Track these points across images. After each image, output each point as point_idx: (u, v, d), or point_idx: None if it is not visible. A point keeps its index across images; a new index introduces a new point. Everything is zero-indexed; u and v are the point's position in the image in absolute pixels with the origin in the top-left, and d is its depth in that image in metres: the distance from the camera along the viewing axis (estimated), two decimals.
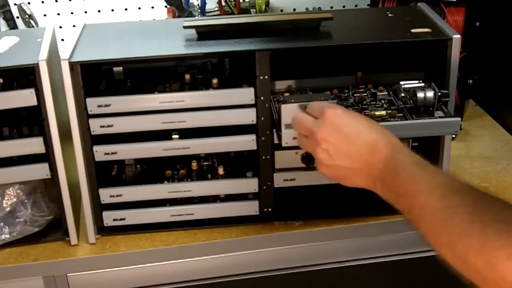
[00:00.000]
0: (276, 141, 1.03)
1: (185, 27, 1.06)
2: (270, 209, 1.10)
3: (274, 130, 1.02)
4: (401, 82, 1.08)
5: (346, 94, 1.10)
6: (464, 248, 0.60)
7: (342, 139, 0.78)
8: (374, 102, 1.08)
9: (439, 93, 1.00)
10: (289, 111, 0.94)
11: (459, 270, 0.62)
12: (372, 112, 1.04)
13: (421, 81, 1.07)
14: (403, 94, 1.06)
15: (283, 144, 0.96)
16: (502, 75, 1.40)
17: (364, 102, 1.08)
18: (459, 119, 1.01)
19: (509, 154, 1.30)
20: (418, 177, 0.70)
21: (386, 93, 1.09)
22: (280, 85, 1.09)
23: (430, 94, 1.01)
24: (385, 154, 0.75)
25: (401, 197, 0.71)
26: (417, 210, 0.67)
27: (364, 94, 1.09)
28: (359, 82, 1.12)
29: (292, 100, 0.95)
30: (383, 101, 1.08)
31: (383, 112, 1.04)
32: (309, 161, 1.08)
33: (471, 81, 1.38)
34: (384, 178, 0.74)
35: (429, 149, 1.10)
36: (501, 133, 1.37)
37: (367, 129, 0.78)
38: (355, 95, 1.10)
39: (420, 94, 1.01)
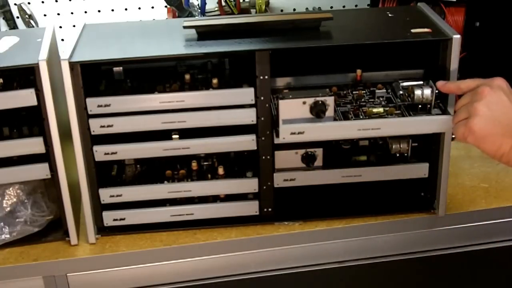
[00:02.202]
0: (276, 140, 1.03)
1: (185, 27, 1.06)
2: (270, 209, 1.10)
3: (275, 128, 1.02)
4: (400, 81, 1.08)
5: (345, 92, 1.10)
6: None
7: (506, 101, 0.85)
8: (372, 100, 1.08)
9: (437, 91, 1.01)
10: (286, 107, 0.94)
11: None
12: (370, 109, 1.05)
13: (420, 81, 1.07)
14: (401, 92, 1.07)
15: (281, 139, 0.97)
16: (502, 75, 1.40)
17: (363, 100, 1.08)
18: None
19: None
20: None
21: (385, 91, 1.10)
22: (280, 82, 1.09)
23: (427, 91, 1.01)
24: None
25: None
26: None
27: (362, 91, 1.10)
28: (358, 80, 1.12)
29: (290, 96, 0.96)
30: (381, 99, 1.08)
31: (381, 109, 1.04)
32: (309, 161, 1.08)
33: None
34: None
35: (429, 149, 1.10)
36: None
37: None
38: (353, 92, 1.10)
39: (418, 92, 1.01)
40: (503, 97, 0.86)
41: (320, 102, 0.97)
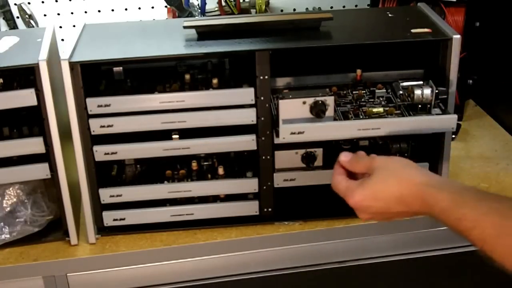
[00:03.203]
0: (276, 140, 1.03)
1: (185, 27, 1.06)
2: (270, 209, 1.10)
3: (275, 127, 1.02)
4: (400, 81, 1.08)
5: (344, 92, 1.10)
6: None
7: (380, 211, 0.83)
8: (372, 100, 1.09)
9: (437, 90, 1.01)
10: (286, 106, 0.94)
11: None
12: (370, 109, 1.05)
13: (420, 81, 1.07)
14: (401, 92, 1.07)
15: (281, 139, 0.97)
16: (502, 75, 1.40)
17: (362, 99, 1.09)
18: (455, 115, 1.01)
19: (509, 154, 1.30)
20: (462, 216, 0.72)
21: (385, 90, 1.10)
22: (280, 82, 1.10)
23: (427, 91, 1.01)
24: (419, 205, 0.78)
25: (460, 233, 0.74)
26: (478, 242, 0.71)
27: (362, 91, 1.10)
28: (358, 80, 1.13)
29: (290, 96, 0.96)
30: (381, 99, 1.09)
31: (381, 109, 1.05)
32: (309, 161, 1.08)
33: (471, 81, 1.38)
34: (437, 218, 0.77)
35: (429, 149, 1.10)
36: (501, 133, 1.38)
37: (388, 195, 0.82)
38: (353, 92, 1.10)
39: (418, 91, 1.01)
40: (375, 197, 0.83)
41: (320, 102, 0.97)
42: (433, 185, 0.78)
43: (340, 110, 1.04)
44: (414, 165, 0.84)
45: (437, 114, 1.02)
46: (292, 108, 0.97)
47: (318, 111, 0.97)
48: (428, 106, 1.02)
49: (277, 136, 0.98)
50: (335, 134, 1.01)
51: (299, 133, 0.97)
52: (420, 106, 1.02)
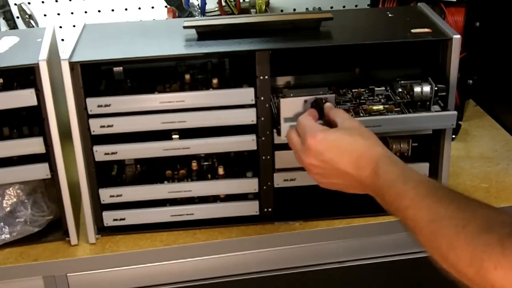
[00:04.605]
0: (276, 140, 1.03)
1: (185, 27, 1.06)
2: (270, 209, 1.10)
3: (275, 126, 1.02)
4: (398, 79, 1.09)
5: (344, 90, 1.10)
6: (455, 259, 0.63)
7: (328, 162, 0.82)
8: (371, 98, 1.09)
9: (436, 88, 1.01)
10: (288, 105, 0.94)
11: (455, 277, 0.65)
12: (370, 106, 1.05)
13: (419, 79, 1.07)
14: (400, 90, 1.07)
15: (282, 137, 0.97)
16: (502, 75, 1.40)
17: (362, 97, 1.09)
18: (455, 112, 1.01)
19: (509, 154, 1.30)
20: (402, 192, 0.72)
21: (384, 88, 1.10)
22: (280, 81, 1.10)
23: (426, 88, 1.01)
24: (369, 171, 0.78)
25: (394, 211, 0.74)
26: (410, 223, 0.71)
27: (362, 89, 1.10)
28: (357, 77, 1.13)
29: (291, 94, 0.96)
30: (380, 97, 1.09)
31: (381, 107, 1.05)
32: None
33: (471, 81, 1.38)
34: (376, 193, 0.78)
35: (429, 149, 1.10)
36: (501, 133, 1.38)
37: (349, 148, 0.81)
38: (353, 90, 1.10)
39: (417, 89, 1.02)
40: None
41: (321, 100, 0.97)
42: (389, 157, 0.79)
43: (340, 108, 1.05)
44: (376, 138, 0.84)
45: (436, 111, 1.02)
46: (293, 107, 0.97)
47: (319, 109, 0.97)
48: (428, 103, 1.02)
49: (279, 134, 0.98)
50: None
51: None
52: (419, 103, 1.03)
